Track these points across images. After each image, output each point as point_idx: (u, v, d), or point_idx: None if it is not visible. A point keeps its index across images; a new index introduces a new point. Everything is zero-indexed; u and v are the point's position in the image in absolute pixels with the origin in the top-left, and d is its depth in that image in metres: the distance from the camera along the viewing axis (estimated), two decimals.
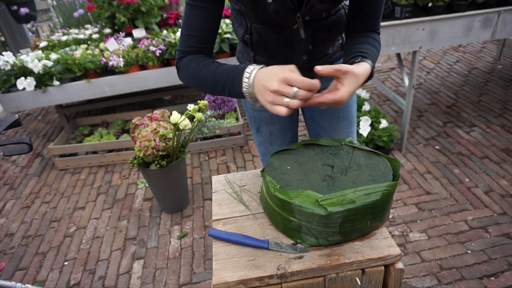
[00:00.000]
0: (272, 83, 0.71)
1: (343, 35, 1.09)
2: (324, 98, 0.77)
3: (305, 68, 1.03)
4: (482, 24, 2.22)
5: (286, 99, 0.71)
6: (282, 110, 0.71)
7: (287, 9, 0.88)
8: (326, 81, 1.12)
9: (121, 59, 2.71)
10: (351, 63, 0.84)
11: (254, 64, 0.78)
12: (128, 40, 2.99)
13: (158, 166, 2.02)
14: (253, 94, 0.78)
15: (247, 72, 0.77)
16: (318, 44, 1.02)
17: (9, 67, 2.74)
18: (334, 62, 1.14)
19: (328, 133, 1.24)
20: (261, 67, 0.77)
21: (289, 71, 0.72)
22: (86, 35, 3.48)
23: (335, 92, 0.77)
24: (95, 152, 2.94)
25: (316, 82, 0.72)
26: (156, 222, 2.27)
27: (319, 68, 0.74)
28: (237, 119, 3.06)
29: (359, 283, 0.74)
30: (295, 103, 0.71)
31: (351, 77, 0.77)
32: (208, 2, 0.86)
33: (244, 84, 0.78)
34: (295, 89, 0.70)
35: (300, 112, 1.38)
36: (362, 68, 0.80)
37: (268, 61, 1.06)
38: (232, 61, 2.84)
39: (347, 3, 1.01)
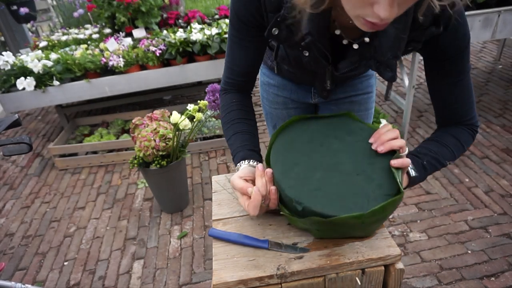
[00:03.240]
0: (235, 183, 0.77)
1: None
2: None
3: (326, 90, 0.99)
4: (482, 24, 2.22)
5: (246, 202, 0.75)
6: (251, 211, 0.74)
7: (320, 64, 0.84)
8: (336, 94, 1.11)
9: (121, 59, 2.71)
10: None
11: (244, 162, 0.83)
12: (128, 40, 2.99)
13: (158, 166, 2.02)
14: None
15: (238, 166, 0.84)
16: (345, 78, 1.00)
17: (9, 67, 2.74)
18: (353, 78, 1.10)
19: None
20: (239, 170, 0.82)
21: (237, 181, 0.77)
22: (86, 35, 3.48)
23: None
24: (95, 152, 2.94)
25: (273, 191, 0.75)
26: (156, 222, 2.27)
27: (392, 163, 0.72)
28: None
29: (359, 283, 0.74)
30: (255, 196, 0.73)
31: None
32: (247, 41, 0.84)
33: (236, 168, 0.85)
34: (251, 189, 0.73)
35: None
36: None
37: (289, 70, 1.05)
38: None
39: None
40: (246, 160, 0.83)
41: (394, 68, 0.75)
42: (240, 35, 0.83)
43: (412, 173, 0.78)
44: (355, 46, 0.76)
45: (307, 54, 0.81)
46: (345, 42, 0.78)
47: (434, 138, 0.85)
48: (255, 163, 0.83)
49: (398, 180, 0.72)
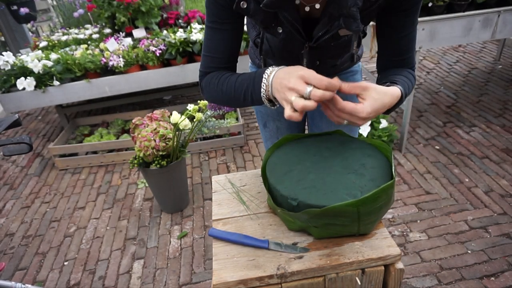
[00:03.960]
0: (290, 79, 0.70)
1: (354, 47, 1.07)
2: (344, 104, 0.71)
3: None
4: (482, 24, 2.22)
5: (293, 97, 0.69)
6: (287, 112, 0.70)
7: (295, 40, 0.87)
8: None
9: (121, 59, 2.71)
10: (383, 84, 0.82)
11: (273, 67, 0.78)
12: (128, 40, 2.99)
13: (158, 166, 2.02)
14: (271, 95, 0.77)
15: (266, 73, 0.77)
16: (326, 60, 1.00)
17: (9, 67, 2.74)
18: (342, 72, 1.13)
19: None
20: (282, 67, 0.75)
21: (308, 70, 0.70)
22: (86, 35, 3.48)
23: (356, 103, 0.72)
24: (95, 152, 2.94)
25: (334, 82, 0.68)
26: (156, 222, 2.27)
27: (343, 86, 0.71)
28: (237, 119, 3.06)
29: (359, 283, 0.74)
30: (309, 103, 0.67)
31: (374, 93, 0.72)
32: (226, 24, 0.85)
33: (262, 85, 0.77)
34: (310, 87, 0.67)
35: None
36: (389, 89, 0.77)
37: (275, 64, 1.06)
38: None
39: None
40: (271, 67, 0.78)
41: (356, 17, 0.76)
42: (218, 18, 0.84)
43: (403, 91, 0.81)
44: (317, 6, 0.81)
45: (280, 31, 0.85)
46: (307, 9, 0.82)
47: (403, 74, 0.88)
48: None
49: (392, 165, 0.78)
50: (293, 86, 0.69)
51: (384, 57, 0.94)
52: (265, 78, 0.77)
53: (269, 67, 0.78)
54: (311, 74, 0.69)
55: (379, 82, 0.89)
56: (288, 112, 0.70)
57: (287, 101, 0.70)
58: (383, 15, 0.86)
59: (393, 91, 0.77)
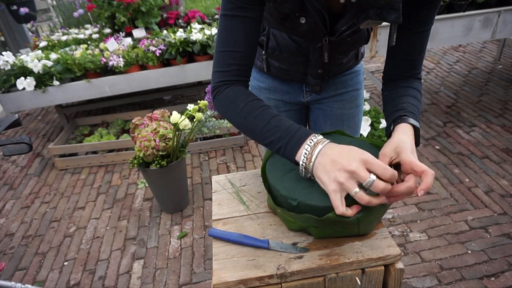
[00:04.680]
0: (350, 162, 0.59)
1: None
2: (399, 188, 0.63)
3: (318, 78, 1.04)
4: (482, 24, 2.22)
5: (355, 189, 0.59)
6: (340, 208, 0.61)
7: (317, 32, 0.84)
8: (335, 89, 1.12)
9: (121, 59, 2.71)
10: (394, 122, 0.76)
11: (319, 135, 0.68)
12: (128, 40, 2.99)
13: (158, 166, 2.02)
14: (310, 169, 0.67)
15: (312, 139, 0.67)
16: (334, 57, 0.99)
17: (9, 67, 2.74)
18: (347, 70, 1.12)
19: None
20: (329, 142, 0.66)
21: (370, 156, 0.61)
22: (86, 35, 3.48)
23: (407, 183, 0.64)
24: (95, 152, 2.94)
25: (395, 173, 0.60)
26: (156, 222, 2.27)
27: (421, 193, 0.62)
28: None
29: (359, 283, 0.74)
30: (364, 198, 0.59)
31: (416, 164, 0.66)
32: (249, 10, 0.74)
33: (304, 152, 0.67)
34: (373, 176, 0.58)
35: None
36: (412, 140, 0.71)
37: (280, 66, 1.07)
38: None
39: None
40: (321, 136, 0.69)
41: (398, 7, 0.69)
42: (241, 2, 0.73)
43: (418, 124, 0.75)
44: None
45: (303, 21, 0.79)
46: (342, 0, 0.76)
47: (410, 94, 0.83)
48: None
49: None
50: (355, 170, 0.59)
51: (395, 56, 0.87)
52: (308, 145, 0.66)
53: (315, 134, 0.68)
54: (375, 160, 0.60)
55: (388, 105, 0.84)
56: (341, 209, 0.61)
57: (341, 186, 0.60)
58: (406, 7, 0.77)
59: (412, 136, 0.72)
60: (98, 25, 3.67)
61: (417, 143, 0.73)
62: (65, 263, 2.05)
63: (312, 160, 0.66)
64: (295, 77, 1.09)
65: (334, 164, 0.61)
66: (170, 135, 1.96)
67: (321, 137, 0.68)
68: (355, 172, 0.59)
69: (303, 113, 1.25)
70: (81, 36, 3.45)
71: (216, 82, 0.80)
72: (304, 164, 0.68)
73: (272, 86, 1.15)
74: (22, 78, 2.67)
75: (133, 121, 2.03)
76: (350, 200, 0.64)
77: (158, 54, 2.73)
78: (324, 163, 0.63)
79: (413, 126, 0.73)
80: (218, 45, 0.78)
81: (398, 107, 0.79)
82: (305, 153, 0.67)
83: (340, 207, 0.61)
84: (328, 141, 0.67)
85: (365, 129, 2.44)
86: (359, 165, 0.59)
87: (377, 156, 0.80)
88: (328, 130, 1.22)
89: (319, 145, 0.66)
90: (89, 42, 3.28)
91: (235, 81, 0.79)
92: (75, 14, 3.78)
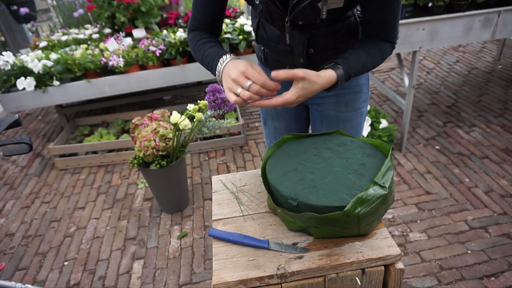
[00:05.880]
0: (233, 71, 0.80)
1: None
2: (272, 101, 0.81)
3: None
4: (482, 24, 2.22)
5: (239, 89, 0.79)
6: (232, 98, 0.80)
7: (274, 13, 0.90)
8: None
9: (121, 59, 2.71)
10: (320, 68, 0.86)
11: (231, 55, 0.87)
12: (128, 40, 2.99)
13: (158, 166, 2.02)
14: (220, 79, 0.88)
15: (221, 59, 0.88)
16: (319, 49, 1.00)
17: (9, 67, 2.75)
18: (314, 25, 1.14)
19: None
20: (233, 58, 0.86)
21: (251, 67, 0.80)
22: (86, 35, 3.48)
23: (283, 94, 0.81)
24: (95, 152, 2.94)
25: (272, 84, 0.79)
26: (156, 222, 2.27)
27: (273, 74, 0.78)
28: (237, 119, 3.06)
29: (359, 283, 0.74)
30: (245, 94, 0.79)
31: (306, 83, 0.79)
32: None
33: (216, 69, 0.88)
34: (249, 82, 0.78)
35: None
36: (324, 75, 0.82)
37: (274, 57, 1.10)
38: None
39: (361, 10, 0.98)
40: (232, 55, 0.88)
41: None
42: None
43: (338, 72, 0.84)
44: None
45: (258, 2, 0.89)
46: None
47: (357, 47, 0.92)
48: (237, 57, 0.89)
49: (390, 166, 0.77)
50: (234, 77, 0.80)
51: (367, 25, 0.95)
52: (220, 63, 0.87)
53: (226, 54, 0.88)
54: (252, 71, 0.78)
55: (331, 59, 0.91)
56: (233, 98, 0.81)
57: (230, 90, 0.82)
58: None
59: (327, 77, 0.83)
60: (98, 25, 3.68)
61: (332, 87, 0.86)
62: (65, 263, 2.05)
63: (220, 74, 0.87)
64: (286, 68, 1.11)
65: (226, 75, 0.83)
66: (170, 135, 1.96)
67: (228, 57, 0.87)
68: (235, 79, 0.80)
69: (301, 111, 1.25)
70: (81, 36, 3.45)
71: (188, 27, 1.06)
72: (218, 76, 0.89)
73: (270, 78, 1.18)
74: (22, 78, 2.67)
75: (133, 121, 2.03)
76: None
77: (158, 54, 2.73)
78: (224, 74, 0.85)
79: (337, 76, 0.84)
80: (192, 6, 1.02)
81: (342, 56, 0.89)
82: (218, 68, 0.88)
83: (232, 98, 0.81)
84: (230, 59, 0.86)
85: (365, 129, 2.44)
86: (240, 74, 0.79)
87: (378, 158, 0.83)
88: (324, 131, 1.21)
89: (224, 62, 0.87)
90: (89, 42, 3.28)
91: (195, 29, 1.03)
92: (75, 14, 3.79)
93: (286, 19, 0.90)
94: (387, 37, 0.94)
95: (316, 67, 1.06)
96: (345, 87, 1.12)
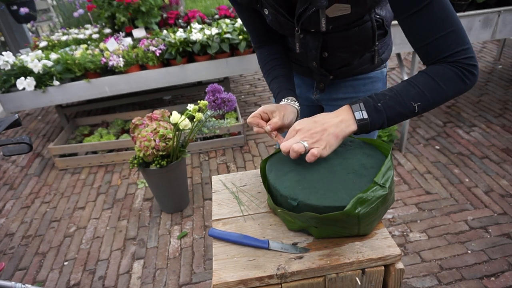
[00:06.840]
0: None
1: (376, 47, 1.00)
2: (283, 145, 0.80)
3: (321, 74, 1.06)
4: (482, 24, 2.22)
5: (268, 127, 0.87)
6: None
7: (283, 23, 0.89)
8: (337, 93, 1.14)
9: (121, 59, 2.71)
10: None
11: (288, 99, 0.95)
12: (128, 40, 2.99)
13: (158, 166, 2.02)
14: None
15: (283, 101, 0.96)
16: (334, 53, 0.98)
17: (9, 67, 2.74)
18: (360, 74, 1.08)
19: None
20: (285, 104, 0.94)
21: (277, 118, 0.88)
22: (86, 35, 3.48)
23: (285, 141, 0.79)
24: (95, 152, 2.94)
25: (253, 120, 0.88)
26: (156, 222, 2.27)
27: (283, 149, 0.78)
28: (237, 119, 3.06)
29: (359, 283, 0.74)
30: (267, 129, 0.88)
31: (293, 132, 0.79)
32: (245, 10, 0.98)
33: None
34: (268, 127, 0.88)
35: None
36: (332, 112, 0.79)
37: (294, 61, 1.13)
38: (233, 60, 2.84)
39: (382, 13, 0.93)
40: (285, 99, 0.95)
41: None
42: (237, 12, 1.02)
43: (359, 115, 0.75)
44: None
45: (267, 12, 0.89)
46: None
47: (406, 79, 0.78)
48: (290, 99, 0.96)
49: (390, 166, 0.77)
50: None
51: (414, 47, 0.78)
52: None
53: (284, 99, 0.96)
54: (273, 119, 0.87)
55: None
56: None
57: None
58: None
59: (337, 111, 0.79)
60: (98, 25, 3.67)
61: (365, 131, 0.77)
62: (65, 263, 2.05)
63: None
64: (303, 70, 1.13)
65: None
66: (170, 135, 1.96)
67: (285, 101, 0.95)
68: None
69: (315, 112, 1.24)
70: (81, 36, 3.45)
71: (253, 46, 1.11)
72: None
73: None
74: (22, 78, 2.67)
75: (133, 121, 2.03)
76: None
77: (158, 54, 2.73)
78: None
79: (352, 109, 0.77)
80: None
81: (374, 93, 0.79)
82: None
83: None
84: (285, 102, 0.94)
85: None
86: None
87: (378, 158, 0.84)
88: None
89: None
90: (89, 42, 3.28)
91: (263, 44, 1.07)
92: (75, 14, 3.79)
93: (296, 28, 0.88)
94: (438, 56, 0.74)
95: (330, 70, 1.06)
96: (360, 90, 1.10)
